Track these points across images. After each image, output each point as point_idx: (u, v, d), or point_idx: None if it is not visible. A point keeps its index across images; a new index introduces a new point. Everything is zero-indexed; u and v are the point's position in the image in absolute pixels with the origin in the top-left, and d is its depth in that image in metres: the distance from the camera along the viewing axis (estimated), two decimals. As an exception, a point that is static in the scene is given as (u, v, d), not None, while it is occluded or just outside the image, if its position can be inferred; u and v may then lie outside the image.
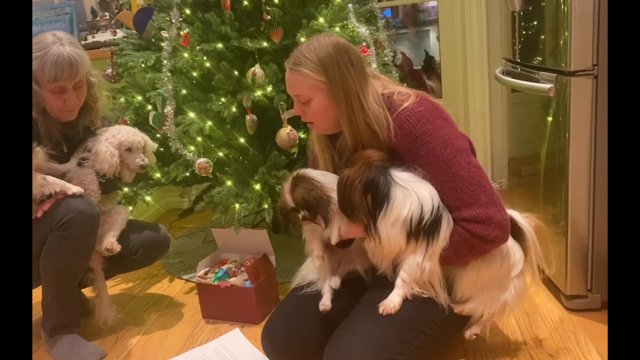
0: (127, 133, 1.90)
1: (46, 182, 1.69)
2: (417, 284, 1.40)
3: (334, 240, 1.41)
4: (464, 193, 1.35)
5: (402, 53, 3.75)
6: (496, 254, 1.42)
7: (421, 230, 1.35)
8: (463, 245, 1.36)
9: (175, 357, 1.80)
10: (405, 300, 1.40)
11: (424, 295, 1.41)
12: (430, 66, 3.70)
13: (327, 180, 1.43)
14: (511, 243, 1.44)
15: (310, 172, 1.46)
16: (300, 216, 1.42)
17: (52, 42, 1.69)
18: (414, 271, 1.38)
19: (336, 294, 1.52)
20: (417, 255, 1.37)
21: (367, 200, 1.34)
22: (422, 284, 1.41)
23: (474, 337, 1.55)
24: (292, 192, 1.41)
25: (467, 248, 1.36)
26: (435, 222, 1.35)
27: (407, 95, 1.42)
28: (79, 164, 1.85)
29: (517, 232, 1.47)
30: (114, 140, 1.86)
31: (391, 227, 1.35)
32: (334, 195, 1.39)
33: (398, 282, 1.41)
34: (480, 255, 1.40)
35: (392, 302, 1.40)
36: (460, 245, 1.36)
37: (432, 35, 3.76)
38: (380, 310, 1.39)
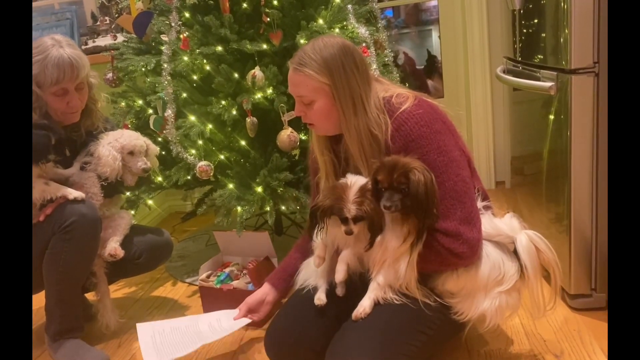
0: (130, 137, 1.91)
1: (47, 187, 1.70)
2: (391, 289, 1.39)
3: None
4: (442, 204, 1.33)
5: (404, 53, 3.75)
6: (480, 265, 1.39)
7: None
8: (432, 253, 1.35)
9: (167, 320, 1.80)
10: (404, 302, 1.39)
11: (397, 302, 1.38)
12: (433, 65, 3.69)
13: None
14: (503, 258, 1.41)
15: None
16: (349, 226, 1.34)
17: (51, 45, 1.70)
18: (391, 275, 1.37)
19: (338, 296, 1.51)
20: (401, 261, 1.35)
21: (436, 202, 1.31)
22: (397, 289, 1.39)
23: None
24: (360, 204, 1.31)
25: (435, 256, 1.36)
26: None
27: (405, 98, 1.41)
28: (82, 168, 1.86)
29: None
30: (117, 144, 1.87)
31: None
32: None
33: (373, 285, 1.40)
34: (450, 267, 1.39)
35: (362, 306, 1.38)
36: (429, 253, 1.35)
37: (435, 35, 3.76)
38: (353, 317, 1.37)
